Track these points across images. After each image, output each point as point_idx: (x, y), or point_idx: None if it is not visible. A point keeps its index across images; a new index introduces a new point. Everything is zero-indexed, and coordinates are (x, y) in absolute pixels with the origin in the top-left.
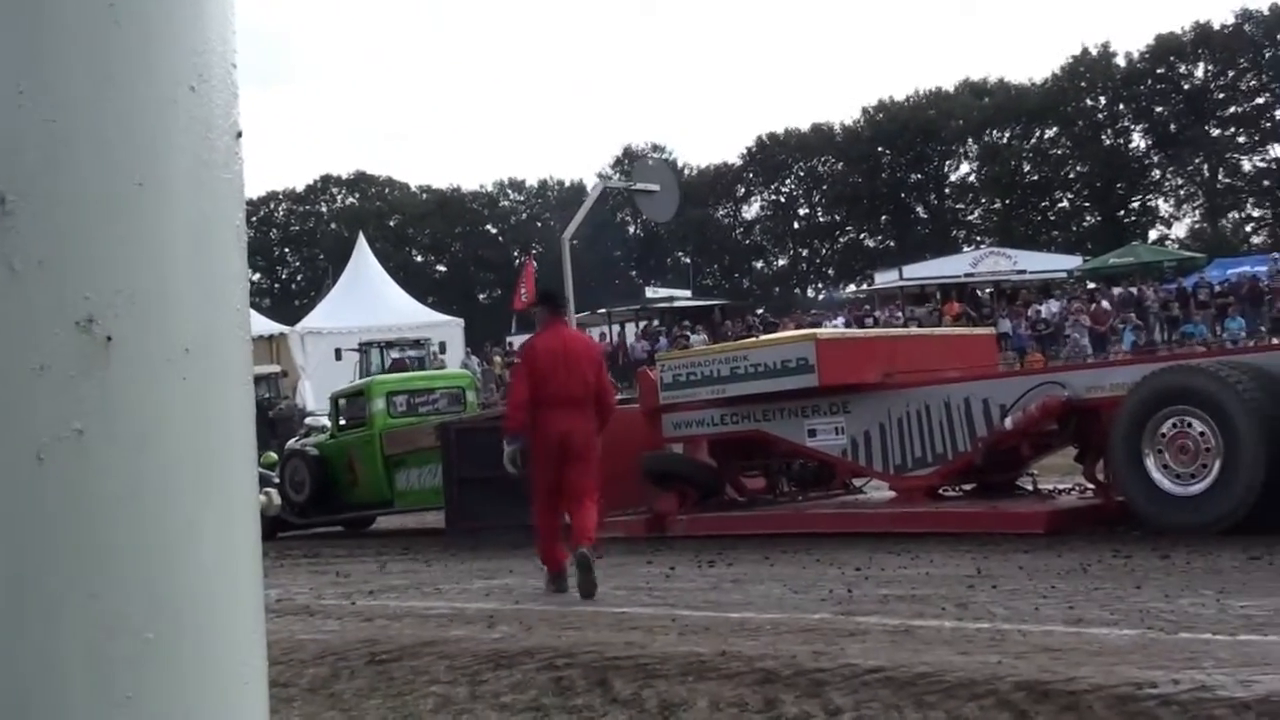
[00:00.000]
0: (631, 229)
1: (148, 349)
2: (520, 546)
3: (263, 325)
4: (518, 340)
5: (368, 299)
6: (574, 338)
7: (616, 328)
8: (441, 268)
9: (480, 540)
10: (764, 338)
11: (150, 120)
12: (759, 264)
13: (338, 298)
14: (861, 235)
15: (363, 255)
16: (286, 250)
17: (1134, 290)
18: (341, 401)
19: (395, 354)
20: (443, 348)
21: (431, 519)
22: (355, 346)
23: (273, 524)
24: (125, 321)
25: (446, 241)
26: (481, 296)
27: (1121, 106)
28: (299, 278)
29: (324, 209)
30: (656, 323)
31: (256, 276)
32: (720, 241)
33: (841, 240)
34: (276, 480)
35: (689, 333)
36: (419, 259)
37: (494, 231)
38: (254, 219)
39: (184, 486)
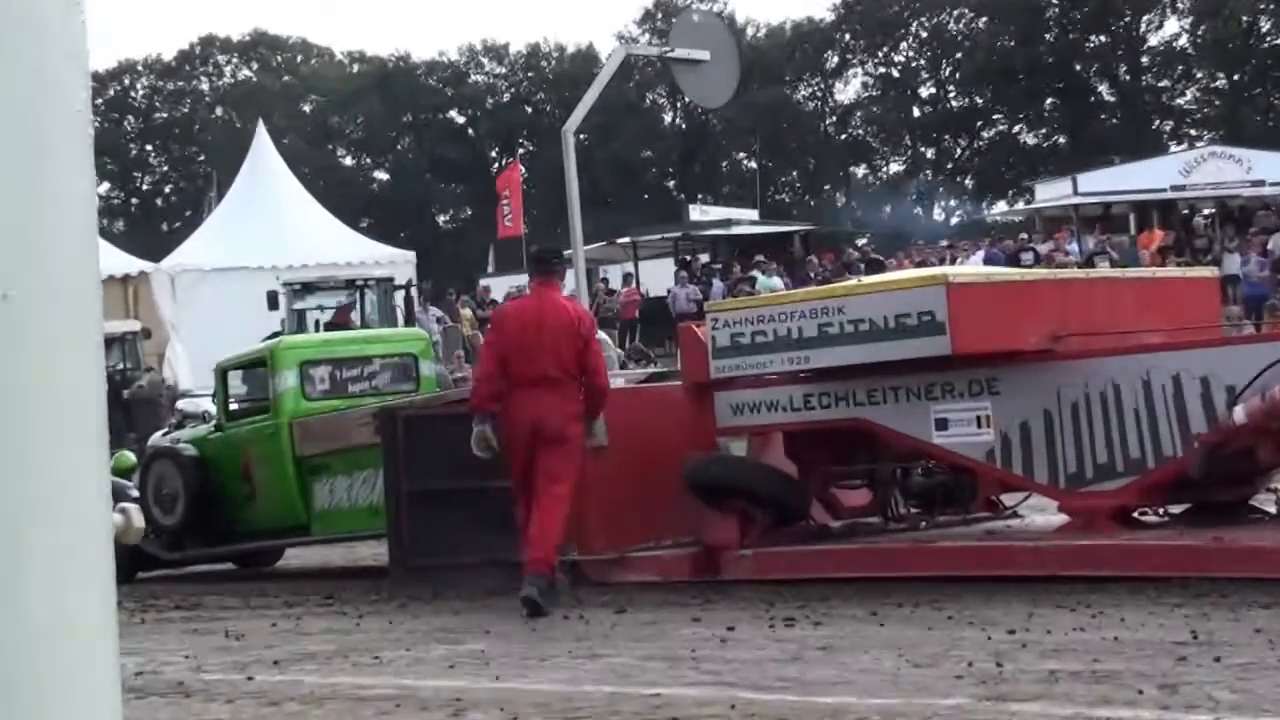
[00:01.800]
0: (668, 118)
1: None
2: (500, 592)
3: (115, 261)
4: (497, 284)
5: (272, 221)
6: (556, 306)
7: (647, 265)
8: (381, 175)
9: (440, 584)
10: (869, 280)
11: None
12: (861, 171)
13: (226, 220)
14: (1016, 128)
15: (263, 157)
16: (149, 149)
17: None
18: (232, 375)
19: (323, 301)
20: (421, 293)
21: (367, 552)
22: (291, 283)
23: (131, 558)
24: None
25: (389, 136)
26: (442, 219)
27: None
28: (168, 190)
29: (205, 87)
30: (706, 258)
31: (105, 188)
32: (802, 137)
33: (986, 135)
34: (135, 493)
35: (756, 273)
36: (348, 162)
37: (461, 121)
38: (101, 102)
39: (3, 502)
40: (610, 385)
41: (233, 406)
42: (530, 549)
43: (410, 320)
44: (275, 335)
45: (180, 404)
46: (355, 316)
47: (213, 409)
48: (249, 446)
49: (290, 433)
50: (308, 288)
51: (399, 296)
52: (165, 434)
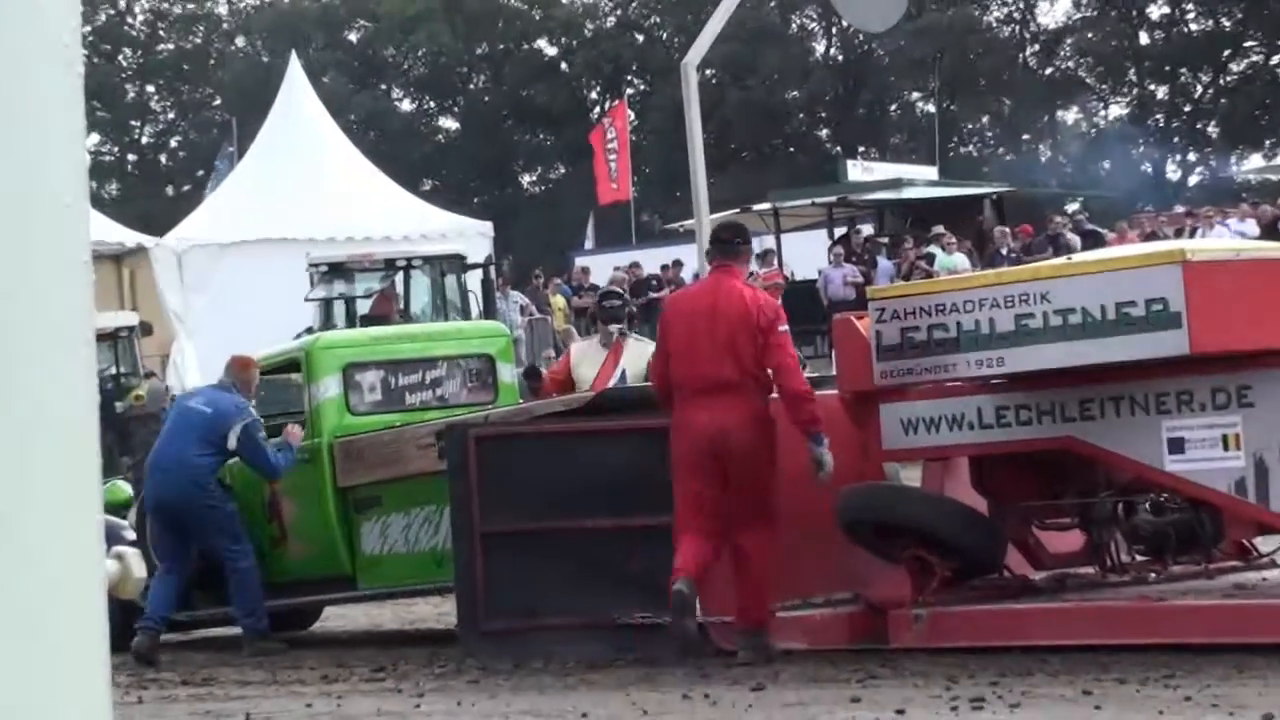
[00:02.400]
0: (820, 49)
1: None
2: (600, 664)
3: (106, 233)
4: (598, 264)
5: (307, 183)
6: (731, 294)
7: (793, 239)
8: (449, 123)
9: (523, 652)
10: (1082, 258)
11: None
12: (1070, 116)
13: (248, 181)
14: (1275, 59)
15: (296, 100)
16: (151, 91)
17: None
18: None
19: (346, 289)
20: (500, 275)
21: (429, 611)
22: (317, 263)
23: (127, 615)
24: None
25: (459, 73)
26: (527, 179)
27: None
28: (174, 143)
29: (223, 10)
30: (870, 229)
31: (95, 141)
32: (995, 73)
33: (1235, 69)
34: (132, 534)
35: (935, 248)
36: (405, 106)
37: (552, 54)
38: (90, 31)
39: None
40: (809, 389)
41: None
42: (740, 605)
43: (490, 310)
44: (308, 331)
45: None
46: (441, 302)
47: None
48: None
49: (331, 456)
50: (337, 270)
51: (473, 279)
52: None
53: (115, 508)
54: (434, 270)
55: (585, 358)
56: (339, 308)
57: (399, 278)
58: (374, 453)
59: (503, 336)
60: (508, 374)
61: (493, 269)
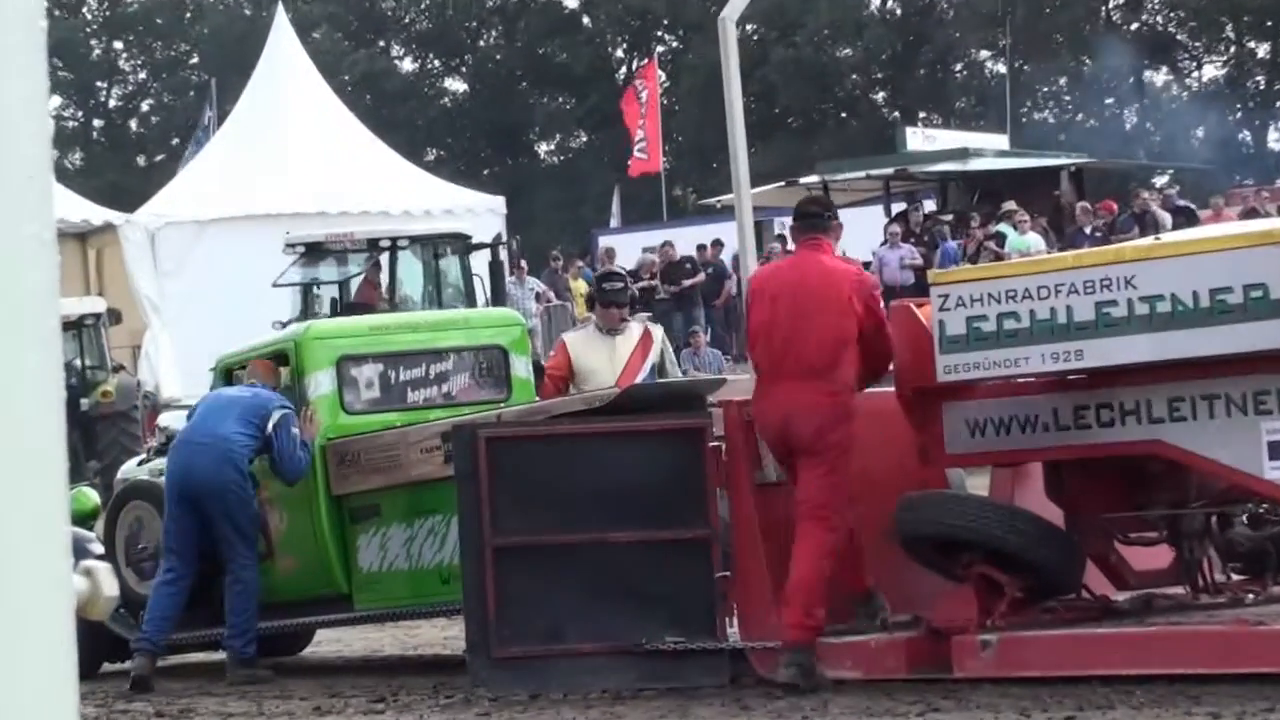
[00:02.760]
0: (875, 1)
1: None
2: (626, 694)
3: (69, 209)
4: (624, 244)
5: (295, 152)
6: (821, 271)
7: (845, 216)
8: (457, 84)
9: (540, 680)
10: (1171, 239)
11: None
12: (1160, 77)
13: (229, 150)
14: None
15: (282, 59)
16: (119, 48)
17: None
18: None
19: (321, 273)
20: (513, 256)
21: (434, 635)
22: (295, 243)
23: (93, 638)
24: None
25: (468, 29)
26: (545, 148)
27: None
28: (146, 108)
29: None
30: (932, 206)
31: (56, 104)
32: (1073, 28)
33: None
34: (99, 549)
35: (1005, 227)
36: (407, 66)
37: (571, 7)
38: None
39: None
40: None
41: None
42: (785, 610)
43: (499, 297)
44: (283, 325)
45: (163, 419)
46: (436, 288)
47: None
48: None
49: (324, 461)
50: (314, 251)
51: (479, 260)
52: (142, 462)
53: (81, 518)
54: (426, 252)
55: (588, 348)
56: (326, 294)
57: (384, 259)
58: (372, 456)
59: (516, 326)
60: (522, 368)
61: (502, 249)
